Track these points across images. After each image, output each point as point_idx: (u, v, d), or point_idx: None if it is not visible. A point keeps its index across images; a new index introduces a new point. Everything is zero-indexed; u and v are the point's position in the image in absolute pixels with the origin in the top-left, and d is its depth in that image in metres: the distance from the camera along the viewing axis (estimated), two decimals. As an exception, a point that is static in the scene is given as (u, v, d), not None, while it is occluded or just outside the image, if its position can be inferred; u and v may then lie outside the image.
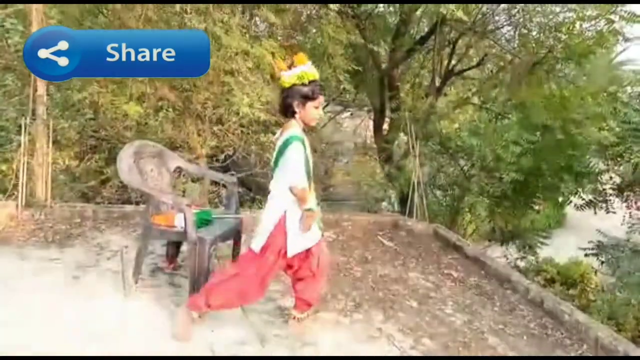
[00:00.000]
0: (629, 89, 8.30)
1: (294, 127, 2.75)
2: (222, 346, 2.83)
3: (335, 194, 10.64)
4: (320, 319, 3.31)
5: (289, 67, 2.76)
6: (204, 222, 3.31)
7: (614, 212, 8.82)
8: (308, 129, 2.89)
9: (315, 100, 2.72)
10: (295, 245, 2.79)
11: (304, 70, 2.72)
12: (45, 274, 3.50)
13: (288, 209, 2.77)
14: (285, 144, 2.70)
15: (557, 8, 6.37)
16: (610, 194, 8.80)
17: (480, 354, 3.19)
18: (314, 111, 2.74)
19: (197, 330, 2.94)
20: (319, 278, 3.04)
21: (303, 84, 2.71)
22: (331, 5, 5.65)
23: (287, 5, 5.94)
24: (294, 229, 2.77)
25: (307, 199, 2.73)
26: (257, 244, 2.82)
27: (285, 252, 2.79)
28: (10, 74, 5.93)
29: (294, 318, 3.13)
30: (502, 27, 7.32)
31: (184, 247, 3.70)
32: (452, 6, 5.37)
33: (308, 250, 2.90)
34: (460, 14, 5.28)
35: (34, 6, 4.49)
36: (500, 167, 6.85)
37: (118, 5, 5.13)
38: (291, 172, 2.70)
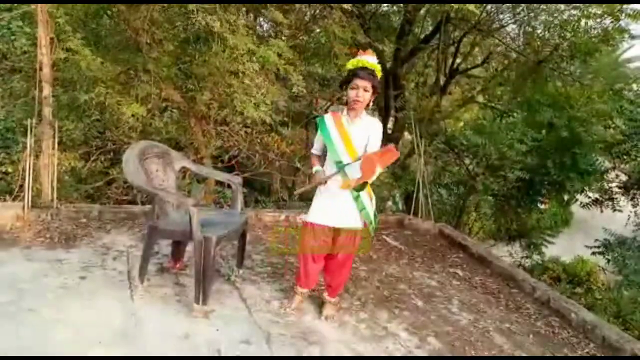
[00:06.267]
0: (635, 86, 8.28)
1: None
2: (227, 345, 2.84)
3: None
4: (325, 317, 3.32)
5: None
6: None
7: (620, 211, 8.80)
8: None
9: (350, 82, 3.00)
10: (310, 214, 3.17)
11: (350, 61, 3.07)
12: (52, 275, 3.50)
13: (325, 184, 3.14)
14: None
15: (562, 6, 6.35)
16: (617, 192, 8.78)
17: (486, 354, 3.19)
18: (350, 92, 3.03)
19: (203, 330, 2.95)
20: (330, 271, 3.30)
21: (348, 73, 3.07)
22: (336, 5, 5.64)
23: (292, 5, 5.93)
24: (317, 199, 3.18)
25: (314, 163, 3.23)
26: None
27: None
28: (16, 76, 5.96)
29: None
30: (506, 25, 7.29)
31: (190, 247, 3.71)
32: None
33: (334, 237, 3.16)
34: (471, 7, 5.28)
35: (39, 7, 4.49)
36: (506, 166, 6.84)
37: (123, 7, 5.13)
38: None
